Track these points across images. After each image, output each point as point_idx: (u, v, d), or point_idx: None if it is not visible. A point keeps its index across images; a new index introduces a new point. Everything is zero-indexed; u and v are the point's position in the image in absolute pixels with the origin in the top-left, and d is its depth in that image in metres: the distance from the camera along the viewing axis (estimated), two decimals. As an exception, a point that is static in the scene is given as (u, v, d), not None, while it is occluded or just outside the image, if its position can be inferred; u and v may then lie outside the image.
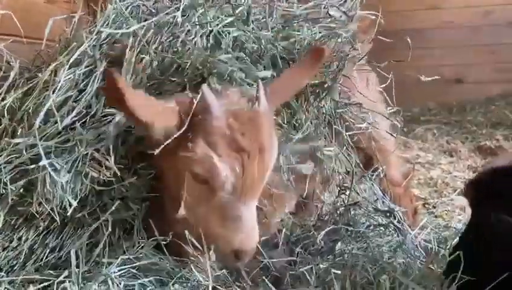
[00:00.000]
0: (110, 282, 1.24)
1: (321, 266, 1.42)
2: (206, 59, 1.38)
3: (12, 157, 1.27)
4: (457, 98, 5.83)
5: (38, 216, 1.33)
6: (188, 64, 1.38)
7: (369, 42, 1.87)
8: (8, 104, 1.31)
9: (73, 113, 1.29)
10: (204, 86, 1.26)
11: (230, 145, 1.23)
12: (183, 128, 1.22)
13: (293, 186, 1.74)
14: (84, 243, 1.33)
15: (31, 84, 1.36)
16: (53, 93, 1.28)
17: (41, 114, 1.25)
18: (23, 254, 1.35)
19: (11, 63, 1.46)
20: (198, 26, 1.45)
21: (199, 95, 1.24)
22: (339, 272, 1.26)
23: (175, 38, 1.42)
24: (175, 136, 1.21)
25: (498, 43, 6.08)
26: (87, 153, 1.29)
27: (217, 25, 1.45)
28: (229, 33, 1.47)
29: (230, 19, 1.49)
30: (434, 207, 2.74)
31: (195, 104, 1.23)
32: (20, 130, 1.28)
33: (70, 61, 1.32)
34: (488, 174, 1.28)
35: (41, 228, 1.35)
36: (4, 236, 1.33)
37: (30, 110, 1.31)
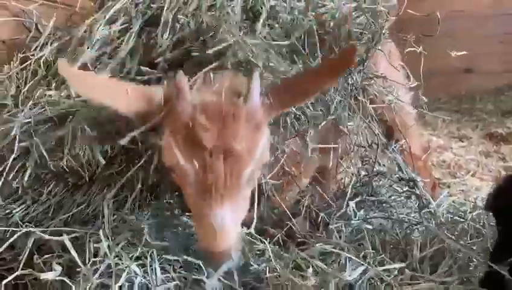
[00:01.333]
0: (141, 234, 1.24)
1: (352, 222, 1.42)
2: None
3: (44, 110, 1.26)
4: (467, 88, 5.82)
5: (67, 171, 1.32)
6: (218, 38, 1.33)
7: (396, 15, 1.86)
8: (44, 57, 1.30)
9: (108, 68, 1.28)
10: (180, 72, 1.18)
11: (192, 139, 1.14)
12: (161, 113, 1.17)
13: (319, 157, 1.74)
14: (111, 200, 1.32)
15: (66, 39, 1.35)
16: (88, 48, 1.27)
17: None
18: (52, 208, 1.35)
19: (44, 23, 1.45)
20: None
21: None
22: (370, 227, 1.26)
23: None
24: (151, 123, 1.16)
25: (508, 32, 6.05)
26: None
27: None
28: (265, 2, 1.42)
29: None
30: (448, 187, 2.74)
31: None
32: (54, 84, 1.27)
33: (107, 17, 1.30)
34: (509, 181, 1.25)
35: (69, 184, 1.35)
36: (33, 190, 1.33)
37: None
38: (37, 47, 1.35)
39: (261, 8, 1.42)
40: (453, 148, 3.61)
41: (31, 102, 1.28)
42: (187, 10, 1.34)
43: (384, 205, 1.73)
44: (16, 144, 1.28)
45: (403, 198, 1.78)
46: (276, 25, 1.46)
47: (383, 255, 1.20)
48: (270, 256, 1.22)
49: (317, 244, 1.29)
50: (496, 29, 5.93)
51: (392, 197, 1.79)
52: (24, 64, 1.34)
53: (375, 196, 1.76)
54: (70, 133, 1.34)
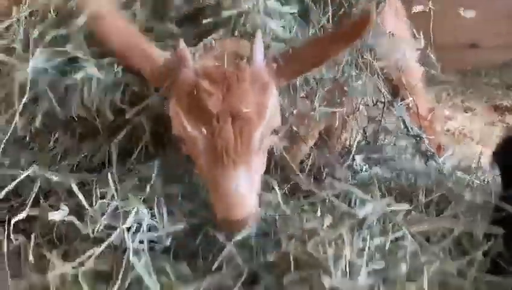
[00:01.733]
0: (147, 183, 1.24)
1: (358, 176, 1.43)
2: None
3: (55, 57, 1.26)
4: (472, 63, 5.76)
5: (76, 120, 1.32)
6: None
7: None
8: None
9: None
10: (181, 41, 1.17)
11: (197, 106, 1.12)
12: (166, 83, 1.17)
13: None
14: (117, 144, 1.32)
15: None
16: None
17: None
18: (59, 156, 1.35)
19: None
20: None
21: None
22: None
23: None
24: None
25: (514, 7, 5.94)
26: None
27: None
28: None
29: None
30: (452, 154, 2.73)
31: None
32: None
33: None
34: None
35: (76, 133, 1.35)
36: (42, 138, 1.33)
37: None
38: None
39: None
40: (458, 118, 3.60)
41: (40, 47, 1.27)
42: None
43: (389, 162, 1.72)
44: (27, 90, 1.28)
45: (408, 155, 1.78)
46: None
47: (389, 198, 1.21)
48: (278, 202, 1.22)
49: (323, 192, 1.29)
50: (503, 4, 5.84)
51: (397, 155, 1.79)
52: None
53: (380, 153, 1.76)
54: (80, 80, 1.33)
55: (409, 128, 1.77)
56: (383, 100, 1.79)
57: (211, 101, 1.10)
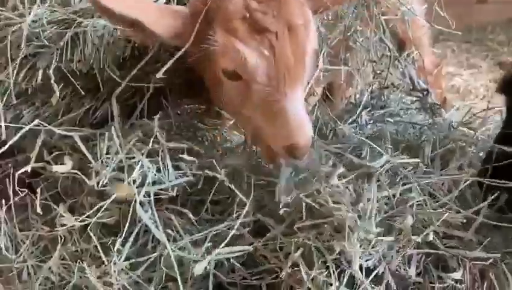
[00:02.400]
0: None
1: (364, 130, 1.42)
2: None
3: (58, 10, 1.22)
4: (480, 19, 5.64)
5: (77, 74, 1.30)
6: None
7: None
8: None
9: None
10: None
11: (253, 28, 1.10)
12: (200, 21, 1.11)
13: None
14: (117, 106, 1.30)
15: None
16: None
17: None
18: (61, 110, 1.34)
19: None
20: None
21: None
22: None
23: None
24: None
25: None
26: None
27: None
28: None
29: None
30: (457, 109, 2.71)
31: None
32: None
33: None
34: None
35: (78, 88, 1.32)
36: (44, 93, 1.31)
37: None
38: None
39: None
40: (463, 75, 3.55)
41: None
42: None
43: (395, 116, 1.71)
44: (23, 43, 1.25)
45: (413, 110, 1.76)
46: None
47: (398, 152, 1.21)
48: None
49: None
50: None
51: (403, 110, 1.77)
52: None
53: (385, 108, 1.74)
54: (82, 35, 1.31)
55: (415, 82, 1.75)
56: (388, 54, 1.76)
57: (267, 19, 1.09)
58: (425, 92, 1.66)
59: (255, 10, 1.10)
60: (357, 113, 1.59)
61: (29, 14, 1.30)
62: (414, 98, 1.77)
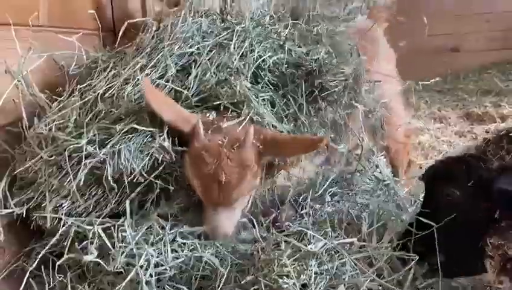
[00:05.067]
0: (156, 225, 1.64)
1: (316, 207, 1.82)
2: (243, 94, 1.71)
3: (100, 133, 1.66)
4: (453, 66, 6.06)
5: (110, 179, 1.66)
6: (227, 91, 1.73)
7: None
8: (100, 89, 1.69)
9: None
10: (199, 119, 1.67)
11: (199, 168, 1.65)
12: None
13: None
14: (135, 199, 1.71)
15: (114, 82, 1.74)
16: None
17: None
18: (91, 206, 1.74)
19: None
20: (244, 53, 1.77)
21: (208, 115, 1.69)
22: (330, 210, 1.66)
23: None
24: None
25: (492, 11, 6.25)
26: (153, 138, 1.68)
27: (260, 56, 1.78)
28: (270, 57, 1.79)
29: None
30: (420, 168, 3.12)
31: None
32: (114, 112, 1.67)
33: (150, 64, 1.72)
34: (443, 161, 1.64)
35: (107, 192, 1.72)
36: (80, 191, 1.70)
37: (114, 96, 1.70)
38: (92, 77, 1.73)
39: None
40: (431, 129, 3.97)
41: (92, 132, 1.64)
42: (213, 67, 1.73)
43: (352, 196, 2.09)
44: (83, 162, 1.64)
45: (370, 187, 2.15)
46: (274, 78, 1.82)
47: (338, 233, 1.61)
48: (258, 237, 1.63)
49: (293, 227, 1.70)
50: (481, 8, 6.14)
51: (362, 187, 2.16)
52: (83, 100, 1.72)
53: (347, 188, 2.13)
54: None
55: (381, 173, 2.14)
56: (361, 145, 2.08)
57: (206, 168, 1.63)
58: (384, 183, 2.05)
59: (203, 160, 1.63)
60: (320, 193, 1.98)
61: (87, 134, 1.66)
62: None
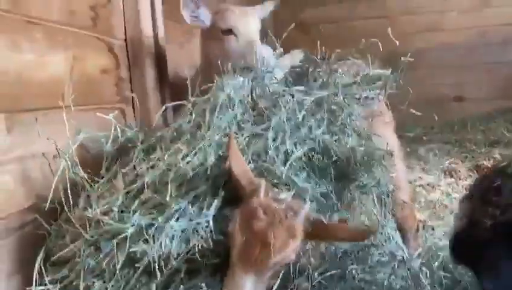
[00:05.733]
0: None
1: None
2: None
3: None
4: (459, 115, 6.15)
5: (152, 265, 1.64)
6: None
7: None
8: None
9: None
10: (263, 183, 1.68)
11: (249, 222, 1.61)
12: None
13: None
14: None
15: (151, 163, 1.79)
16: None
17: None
18: (121, 287, 1.72)
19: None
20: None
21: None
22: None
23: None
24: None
25: (494, 61, 6.42)
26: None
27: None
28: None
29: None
30: (433, 229, 3.16)
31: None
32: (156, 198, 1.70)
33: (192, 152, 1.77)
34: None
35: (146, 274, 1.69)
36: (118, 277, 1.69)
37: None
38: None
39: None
40: (441, 185, 4.01)
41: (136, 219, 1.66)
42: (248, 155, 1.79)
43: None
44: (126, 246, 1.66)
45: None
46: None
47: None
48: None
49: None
50: (483, 58, 6.31)
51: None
52: (129, 188, 1.73)
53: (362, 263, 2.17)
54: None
55: (397, 245, 2.19)
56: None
57: (257, 224, 1.60)
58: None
59: (257, 215, 1.60)
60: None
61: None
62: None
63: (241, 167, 1.76)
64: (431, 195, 3.73)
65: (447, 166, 4.54)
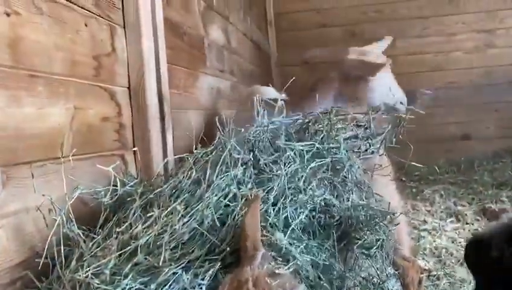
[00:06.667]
0: None
1: None
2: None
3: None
4: (465, 154, 6.14)
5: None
6: None
7: None
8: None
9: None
10: (261, 253, 1.60)
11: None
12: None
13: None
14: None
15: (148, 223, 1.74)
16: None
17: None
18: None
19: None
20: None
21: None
22: None
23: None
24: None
25: (500, 101, 6.45)
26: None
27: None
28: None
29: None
30: (438, 279, 3.06)
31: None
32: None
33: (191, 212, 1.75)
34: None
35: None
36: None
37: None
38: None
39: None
40: (447, 230, 3.93)
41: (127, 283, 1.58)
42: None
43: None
44: None
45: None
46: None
47: None
48: None
49: None
50: (489, 98, 6.34)
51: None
52: (122, 250, 1.66)
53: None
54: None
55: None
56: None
57: None
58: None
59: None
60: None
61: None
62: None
63: (253, 229, 1.68)
64: (436, 241, 3.64)
65: (454, 208, 4.48)
